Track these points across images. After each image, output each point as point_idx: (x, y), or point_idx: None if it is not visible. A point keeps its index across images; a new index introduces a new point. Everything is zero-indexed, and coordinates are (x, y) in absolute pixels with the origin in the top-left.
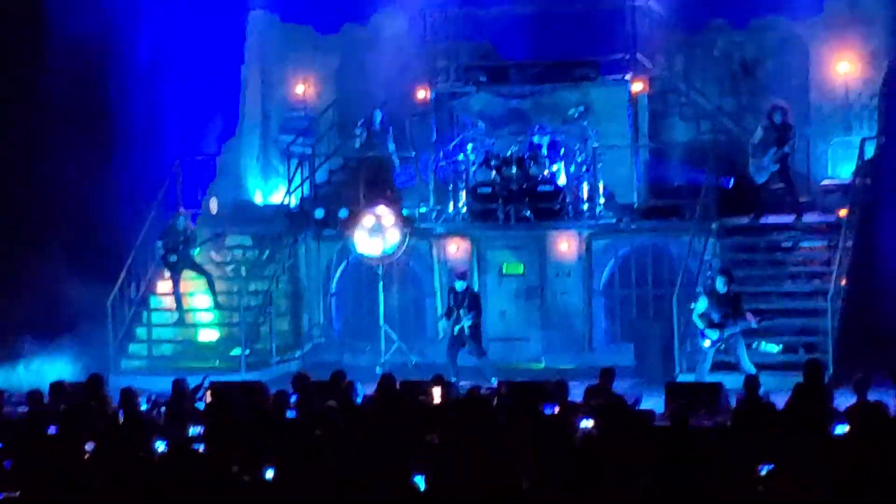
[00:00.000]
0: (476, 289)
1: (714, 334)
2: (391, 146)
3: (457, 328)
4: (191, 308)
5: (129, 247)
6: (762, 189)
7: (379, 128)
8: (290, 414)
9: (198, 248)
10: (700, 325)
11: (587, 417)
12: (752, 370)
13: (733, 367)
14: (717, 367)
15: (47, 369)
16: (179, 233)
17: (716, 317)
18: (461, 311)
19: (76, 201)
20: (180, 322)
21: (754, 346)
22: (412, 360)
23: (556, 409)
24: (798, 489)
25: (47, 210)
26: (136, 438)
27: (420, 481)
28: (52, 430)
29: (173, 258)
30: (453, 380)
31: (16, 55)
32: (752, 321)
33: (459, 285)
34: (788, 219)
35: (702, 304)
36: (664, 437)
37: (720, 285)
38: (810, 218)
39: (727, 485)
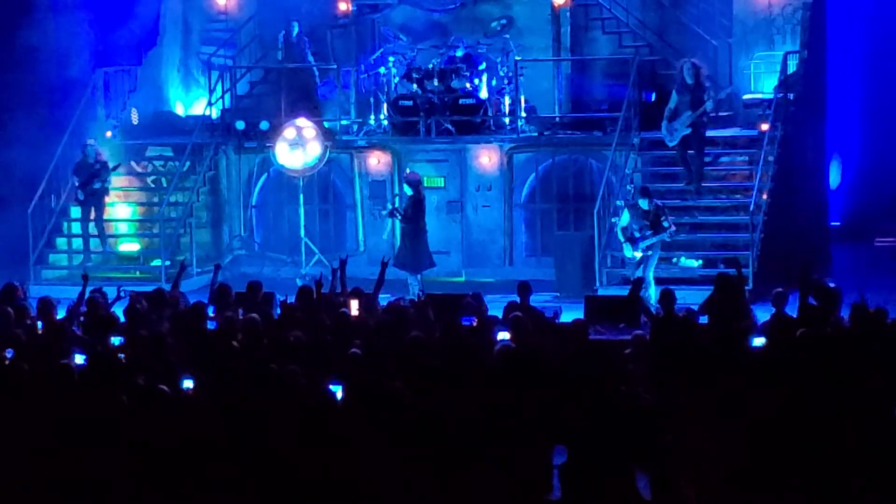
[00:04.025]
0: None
1: (629, 251)
2: (310, 58)
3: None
4: (111, 218)
5: (50, 157)
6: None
7: (295, 39)
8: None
9: (109, 180)
10: (621, 238)
11: (504, 329)
12: (649, 280)
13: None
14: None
15: None
16: (89, 165)
17: (635, 230)
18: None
19: None
20: (105, 251)
21: (674, 260)
22: None
23: (475, 322)
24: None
25: None
26: (55, 348)
27: (337, 390)
28: None
29: (80, 195)
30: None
31: None
32: (670, 230)
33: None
34: (711, 132)
35: (624, 218)
36: (573, 348)
37: (642, 203)
38: (732, 132)
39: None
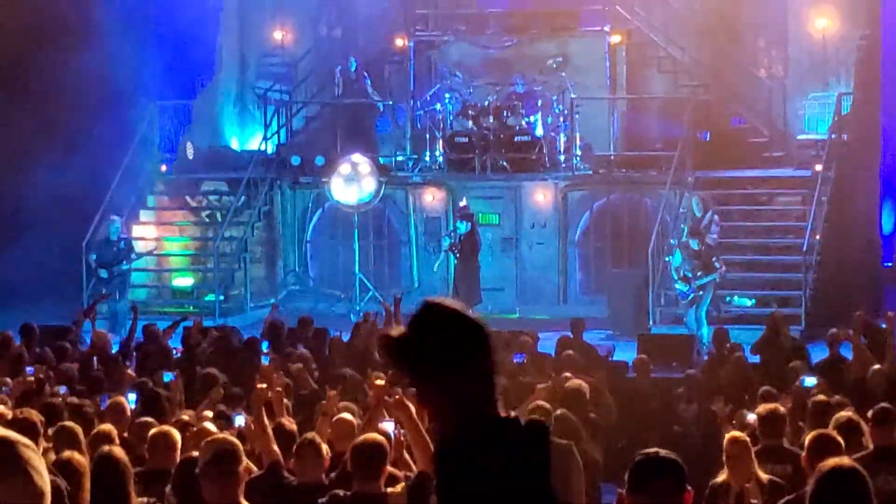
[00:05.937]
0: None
1: (684, 287)
2: (371, 93)
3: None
4: (167, 252)
5: (105, 188)
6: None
7: (354, 75)
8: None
9: (130, 264)
10: (675, 277)
11: None
12: (694, 327)
13: (712, 320)
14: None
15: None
16: (112, 243)
17: (688, 269)
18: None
19: (48, 146)
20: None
21: (728, 299)
22: None
23: (524, 359)
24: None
25: (21, 159)
26: (109, 384)
27: (389, 427)
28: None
29: (104, 274)
30: None
31: None
32: (720, 270)
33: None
34: (764, 172)
35: (677, 258)
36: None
37: (693, 244)
38: (786, 172)
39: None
